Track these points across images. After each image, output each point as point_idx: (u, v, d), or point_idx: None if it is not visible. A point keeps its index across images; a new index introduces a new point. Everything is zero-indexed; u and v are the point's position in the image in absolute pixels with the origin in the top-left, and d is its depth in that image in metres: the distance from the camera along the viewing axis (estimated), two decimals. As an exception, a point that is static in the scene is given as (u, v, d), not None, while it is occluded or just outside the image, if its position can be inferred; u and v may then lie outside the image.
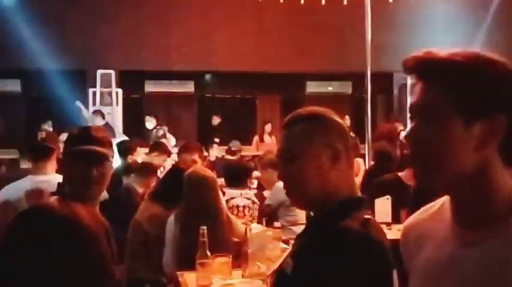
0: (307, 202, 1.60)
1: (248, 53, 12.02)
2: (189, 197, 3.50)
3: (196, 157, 4.69)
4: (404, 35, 12.13)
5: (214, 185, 3.58)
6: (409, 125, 1.16)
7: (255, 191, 5.06)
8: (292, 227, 4.71)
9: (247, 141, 11.46)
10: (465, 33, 11.90)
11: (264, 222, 3.98)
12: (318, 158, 1.54)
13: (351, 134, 11.30)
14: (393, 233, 4.35)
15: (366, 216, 1.50)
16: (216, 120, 11.93)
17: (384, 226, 4.47)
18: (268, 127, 11.40)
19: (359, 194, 1.60)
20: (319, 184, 1.54)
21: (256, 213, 4.23)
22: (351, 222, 1.46)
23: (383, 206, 4.67)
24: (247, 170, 4.97)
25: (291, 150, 1.56)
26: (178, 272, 3.22)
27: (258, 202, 4.41)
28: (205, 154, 6.64)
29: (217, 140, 10.70)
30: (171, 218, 3.52)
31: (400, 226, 4.56)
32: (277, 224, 3.71)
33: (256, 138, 11.57)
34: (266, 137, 11.36)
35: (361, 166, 6.99)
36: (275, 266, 2.88)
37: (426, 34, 12.18)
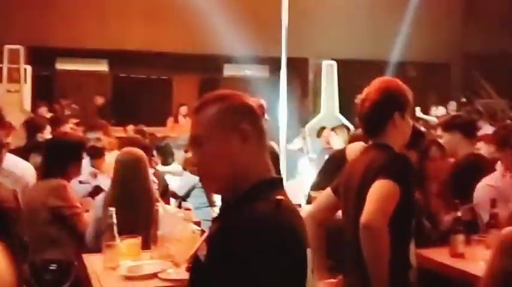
0: (220, 186, 1.58)
1: (165, 34, 11.83)
2: (123, 179, 3.45)
3: (100, 134, 4.57)
4: (320, 22, 12.36)
5: (146, 167, 3.55)
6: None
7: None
8: (207, 209, 4.70)
9: (162, 123, 11.34)
10: (381, 20, 12.23)
11: (172, 203, 3.95)
12: (227, 141, 1.52)
13: (266, 117, 11.40)
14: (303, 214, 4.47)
15: (278, 197, 1.49)
16: (99, 100, 11.73)
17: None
18: (183, 109, 11.30)
19: (273, 174, 1.59)
20: (230, 167, 1.52)
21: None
22: (263, 204, 1.45)
23: (295, 189, 4.76)
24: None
25: (199, 135, 1.54)
26: (84, 255, 3.14)
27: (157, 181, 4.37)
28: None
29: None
30: (100, 197, 3.50)
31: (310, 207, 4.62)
32: (187, 205, 3.68)
33: (170, 119, 11.45)
34: (181, 119, 11.27)
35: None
36: (185, 248, 2.86)
37: (341, 22, 12.48)
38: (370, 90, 2.53)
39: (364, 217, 2.23)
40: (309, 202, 4.83)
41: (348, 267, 2.48)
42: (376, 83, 2.56)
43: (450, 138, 3.84)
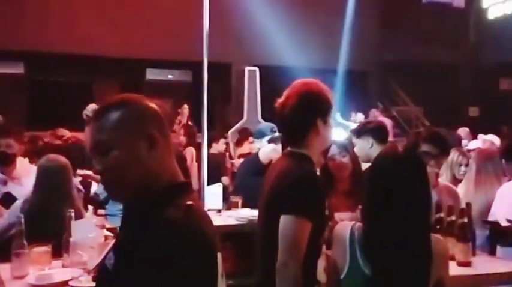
0: (128, 193, 1.51)
1: (85, 36, 11.54)
2: (45, 185, 3.38)
3: (11, 141, 4.40)
4: (244, 28, 12.43)
5: (69, 173, 3.48)
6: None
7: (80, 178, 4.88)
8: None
9: (81, 128, 11.01)
10: (303, 29, 12.42)
11: (90, 210, 3.85)
12: (134, 147, 1.47)
13: (189, 123, 11.35)
14: (223, 219, 4.46)
15: (188, 202, 1.46)
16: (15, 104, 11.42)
17: (214, 212, 4.61)
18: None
19: (181, 179, 1.56)
20: (138, 173, 1.48)
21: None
22: (172, 210, 1.42)
23: (214, 194, 4.74)
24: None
25: (103, 141, 1.48)
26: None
27: (83, 190, 4.25)
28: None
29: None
30: (17, 204, 3.39)
31: (231, 212, 4.64)
32: (101, 211, 3.60)
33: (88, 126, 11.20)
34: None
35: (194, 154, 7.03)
36: (97, 255, 2.79)
37: (266, 28, 12.58)
38: (289, 93, 2.40)
39: (280, 259, 2.22)
40: (229, 206, 4.85)
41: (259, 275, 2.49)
42: (296, 85, 2.42)
43: (362, 144, 3.92)
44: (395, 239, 2.00)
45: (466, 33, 14.96)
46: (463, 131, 8.10)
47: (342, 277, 2.08)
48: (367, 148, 3.87)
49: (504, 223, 3.13)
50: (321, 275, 2.39)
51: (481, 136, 7.48)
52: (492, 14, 14.48)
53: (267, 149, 4.83)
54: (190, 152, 7.79)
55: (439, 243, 2.05)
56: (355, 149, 4.00)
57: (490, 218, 3.40)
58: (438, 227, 2.89)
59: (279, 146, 5.13)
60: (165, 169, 1.52)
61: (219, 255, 1.47)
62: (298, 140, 2.40)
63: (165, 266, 1.34)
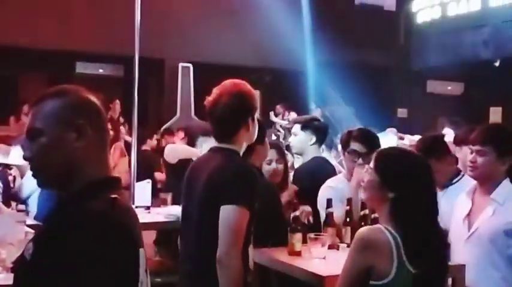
0: (53, 181, 1.53)
1: (8, 26, 11.05)
2: None
3: None
4: (178, 24, 12.30)
5: None
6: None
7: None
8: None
9: (5, 122, 10.72)
10: (237, 26, 12.40)
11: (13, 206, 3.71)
12: (60, 136, 1.50)
13: (120, 118, 11.13)
14: (152, 216, 4.41)
15: (113, 196, 1.46)
16: None
17: (142, 210, 4.54)
18: (26, 107, 10.69)
19: (111, 173, 1.57)
20: (59, 162, 1.49)
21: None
22: (96, 202, 1.43)
23: (143, 190, 4.67)
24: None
25: (35, 128, 1.52)
26: None
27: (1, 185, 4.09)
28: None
29: None
30: None
31: (160, 209, 4.60)
32: (21, 207, 3.47)
33: (12, 118, 10.93)
34: (24, 117, 10.67)
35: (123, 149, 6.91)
36: (17, 252, 2.69)
37: (200, 24, 12.50)
38: (221, 92, 2.53)
39: (220, 252, 2.32)
40: (158, 203, 4.79)
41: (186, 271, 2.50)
42: (227, 85, 2.56)
43: (304, 137, 3.97)
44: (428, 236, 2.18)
45: (396, 36, 15.39)
46: (391, 132, 8.34)
47: (388, 280, 2.09)
48: (306, 143, 3.94)
49: None
50: (252, 263, 2.52)
51: (407, 136, 7.71)
52: (421, 18, 14.95)
53: (171, 147, 4.84)
54: (119, 147, 7.65)
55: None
56: (292, 139, 4.05)
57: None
58: (363, 224, 2.95)
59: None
60: (91, 162, 1.52)
61: (141, 251, 1.46)
62: (228, 137, 2.54)
63: (85, 256, 1.33)
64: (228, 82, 2.59)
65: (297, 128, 4.03)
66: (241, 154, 2.57)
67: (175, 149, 5.43)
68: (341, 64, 13.52)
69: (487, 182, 2.94)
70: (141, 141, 7.37)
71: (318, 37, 13.96)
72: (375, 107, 14.32)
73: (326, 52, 13.73)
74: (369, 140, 3.52)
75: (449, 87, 16.28)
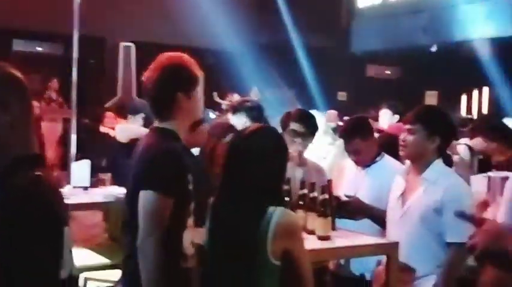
0: None
1: None
2: None
3: None
4: (120, 1, 12.05)
5: None
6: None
7: None
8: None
9: None
10: (179, 6, 12.25)
11: None
12: None
13: (56, 97, 10.84)
14: (89, 196, 4.39)
15: (38, 173, 1.45)
16: None
17: (81, 189, 4.50)
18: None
19: (36, 151, 1.54)
20: None
21: None
22: (21, 179, 1.41)
23: (81, 170, 4.61)
24: None
25: None
26: None
27: None
28: None
29: None
30: None
31: (98, 190, 4.54)
32: None
33: None
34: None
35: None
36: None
37: (144, 2, 12.28)
38: (154, 67, 2.39)
39: (140, 236, 2.22)
40: (96, 184, 4.73)
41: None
42: (160, 59, 2.42)
43: (237, 121, 3.96)
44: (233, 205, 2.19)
45: (338, 19, 15.57)
46: (331, 114, 8.47)
47: None
48: (240, 126, 3.92)
49: (343, 198, 3.32)
50: (189, 248, 2.40)
51: (347, 119, 7.84)
52: (362, 3, 15.18)
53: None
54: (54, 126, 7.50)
55: (285, 216, 2.14)
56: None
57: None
58: (301, 203, 3.00)
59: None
60: (16, 138, 1.49)
61: (66, 229, 1.46)
62: (162, 115, 2.41)
63: (7, 232, 1.33)
64: (162, 55, 2.44)
65: (229, 114, 4.04)
66: (181, 133, 2.43)
67: (127, 129, 5.36)
68: (283, 46, 13.59)
69: (419, 161, 3.01)
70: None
71: (261, 19, 13.96)
72: (316, 90, 14.52)
73: (269, 34, 13.75)
74: (307, 120, 3.59)
75: (387, 72, 16.65)
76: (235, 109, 3.96)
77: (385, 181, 3.25)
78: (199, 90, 2.46)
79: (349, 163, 3.67)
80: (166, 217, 2.24)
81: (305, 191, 3.02)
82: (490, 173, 3.69)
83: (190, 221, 2.39)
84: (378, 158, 3.55)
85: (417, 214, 2.96)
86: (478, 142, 5.19)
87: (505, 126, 4.85)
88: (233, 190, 2.22)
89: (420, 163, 3.01)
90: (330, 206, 2.96)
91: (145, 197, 2.23)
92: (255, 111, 3.93)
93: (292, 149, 3.39)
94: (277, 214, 2.11)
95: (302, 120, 3.54)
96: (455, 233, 2.79)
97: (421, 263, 2.90)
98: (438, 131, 2.96)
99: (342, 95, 15.53)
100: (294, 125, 3.52)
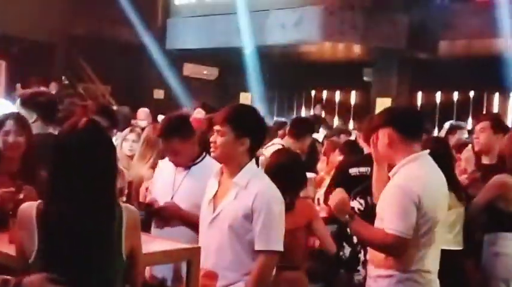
0: None
1: None
2: None
3: None
4: None
5: None
6: None
7: None
8: None
9: None
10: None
11: None
12: None
13: None
14: None
15: None
16: None
17: None
18: None
19: None
20: None
21: None
22: None
23: None
24: None
25: None
26: None
27: None
28: None
29: None
30: None
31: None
32: None
33: None
34: None
35: None
36: None
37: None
38: None
39: None
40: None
41: None
42: None
43: (26, 115, 3.61)
44: (74, 211, 2.01)
45: (154, 15, 15.28)
46: (142, 112, 8.31)
47: (31, 260, 1.96)
48: (30, 119, 3.57)
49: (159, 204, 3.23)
50: None
51: (162, 117, 7.70)
52: (178, 1, 15.07)
53: None
54: None
55: (130, 212, 2.12)
56: None
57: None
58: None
59: None
60: None
61: None
62: None
63: None
64: None
65: (18, 104, 3.67)
66: None
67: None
68: (97, 40, 13.02)
69: (230, 164, 2.89)
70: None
71: (76, 9, 13.26)
72: (132, 87, 14.11)
73: (83, 25, 13.10)
74: (109, 114, 3.37)
75: (205, 72, 16.75)
76: (24, 103, 3.59)
77: (206, 184, 3.07)
78: None
79: (167, 164, 3.46)
80: None
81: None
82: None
83: None
84: (198, 159, 3.39)
85: (227, 220, 2.83)
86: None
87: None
88: (68, 190, 2.03)
89: (232, 165, 2.88)
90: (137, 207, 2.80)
91: None
92: (48, 109, 3.61)
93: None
94: (122, 210, 2.09)
95: (103, 114, 3.29)
96: (264, 241, 2.74)
97: (228, 271, 2.81)
98: (248, 133, 2.85)
99: (158, 93, 15.31)
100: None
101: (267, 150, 5.12)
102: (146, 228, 3.14)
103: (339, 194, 2.90)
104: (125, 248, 2.07)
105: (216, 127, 2.87)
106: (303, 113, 16.24)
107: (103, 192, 2.06)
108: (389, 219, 2.71)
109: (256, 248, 2.78)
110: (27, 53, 12.40)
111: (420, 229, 2.72)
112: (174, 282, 3.12)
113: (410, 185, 2.72)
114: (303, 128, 5.71)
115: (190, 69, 16.17)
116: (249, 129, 2.86)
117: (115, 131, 4.03)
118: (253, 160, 2.93)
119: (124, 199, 3.10)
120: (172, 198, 3.24)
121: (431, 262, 2.83)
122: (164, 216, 3.17)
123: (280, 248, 2.79)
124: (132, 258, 2.12)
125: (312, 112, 15.06)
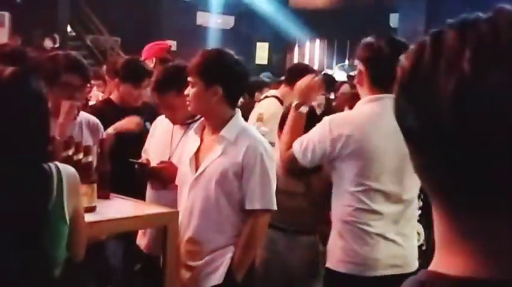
0: None
1: None
2: None
3: None
4: None
5: None
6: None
7: None
8: None
9: None
10: None
11: None
12: None
13: None
14: None
15: None
16: None
17: None
18: None
19: None
20: None
21: None
22: None
23: None
24: None
25: None
26: None
27: None
28: None
29: None
30: None
31: None
32: None
33: None
34: None
35: None
36: None
37: None
38: None
39: None
40: None
41: None
42: None
43: None
44: None
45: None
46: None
47: None
48: None
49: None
50: None
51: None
52: None
53: None
54: None
55: (69, 172, 1.89)
56: None
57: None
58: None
59: None
60: None
61: None
62: None
63: None
64: None
65: None
66: None
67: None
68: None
69: (210, 116, 2.62)
70: None
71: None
72: (142, 38, 13.65)
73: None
74: (81, 69, 2.93)
75: (219, 21, 16.21)
76: None
77: None
78: None
79: (162, 121, 3.07)
80: None
81: (69, 152, 2.41)
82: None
83: None
84: (197, 117, 2.94)
85: (213, 177, 2.54)
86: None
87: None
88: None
89: (213, 118, 2.61)
90: (100, 170, 2.56)
91: None
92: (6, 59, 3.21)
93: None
94: (60, 170, 1.83)
95: (76, 70, 2.85)
96: (256, 199, 2.51)
97: (216, 233, 2.57)
98: (217, 80, 2.54)
99: (171, 44, 14.87)
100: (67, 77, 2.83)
101: (261, 105, 4.61)
102: (141, 189, 2.92)
103: (308, 77, 2.69)
104: (68, 213, 1.84)
105: (189, 78, 2.58)
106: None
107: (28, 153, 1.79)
108: (302, 138, 2.52)
109: (248, 207, 2.54)
110: (31, 3, 11.97)
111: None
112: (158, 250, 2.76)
113: (339, 123, 2.47)
114: (299, 74, 5.08)
115: (204, 18, 15.62)
116: (218, 76, 2.56)
117: (88, 87, 3.62)
118: (239, 114, 2.65)
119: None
120: (169, 158, 2.93)
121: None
122: (160, 177, 2.86)
123: (274, 206, 2.56)
124: (73, 224, 1.88)
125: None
